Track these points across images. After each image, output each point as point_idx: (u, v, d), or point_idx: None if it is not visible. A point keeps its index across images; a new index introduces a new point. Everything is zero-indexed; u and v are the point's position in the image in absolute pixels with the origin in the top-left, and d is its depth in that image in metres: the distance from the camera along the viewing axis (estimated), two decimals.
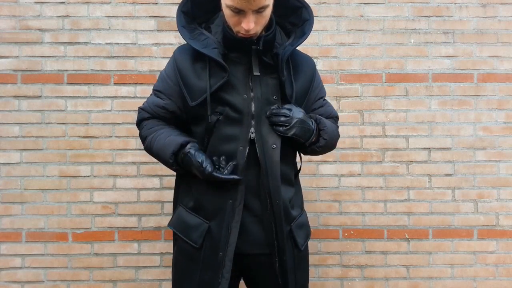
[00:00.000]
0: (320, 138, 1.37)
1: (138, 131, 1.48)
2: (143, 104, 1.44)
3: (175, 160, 1.32)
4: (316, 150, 1.39)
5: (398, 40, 2.26)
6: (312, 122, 1.34)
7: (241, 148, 1.28)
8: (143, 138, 1.44)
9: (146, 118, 1.43)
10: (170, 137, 1.35)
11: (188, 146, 1.31)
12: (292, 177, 1.40)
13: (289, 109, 1.28)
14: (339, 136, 1.52)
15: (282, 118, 1.27)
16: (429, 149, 2.25)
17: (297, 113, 1.29)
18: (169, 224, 1.42)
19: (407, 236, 2.24)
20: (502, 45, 2.26)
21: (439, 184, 2.25)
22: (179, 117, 1.39)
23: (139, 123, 1.46)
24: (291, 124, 1.27)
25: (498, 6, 2.26)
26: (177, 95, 1.34)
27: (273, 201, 1.28)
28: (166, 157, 1.32)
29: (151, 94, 1.44)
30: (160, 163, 1.40)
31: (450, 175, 2.25)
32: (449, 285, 2.23)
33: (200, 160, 1.26)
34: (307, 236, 1.43)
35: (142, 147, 1.46)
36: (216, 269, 1.28)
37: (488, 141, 2.25)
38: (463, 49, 2.26)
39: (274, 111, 1.29)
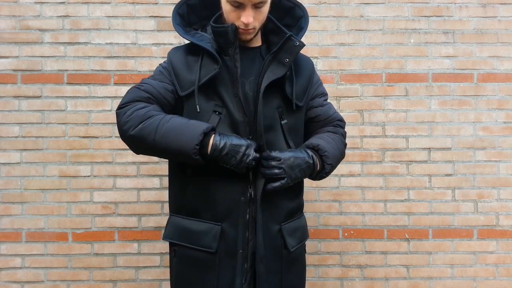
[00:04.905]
0: (324, 165, 1.32)
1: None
2: (140, 83, 1.32)
3: (201, 145, 1.19)
4: (324, 176, 1.35)
5: (398, 40, 2.26)
6: (309, 155, 1.28)
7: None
8: (139, 116, 1.25)
9: (145, 99, 1.29)
10: (190, 121, 1.24)
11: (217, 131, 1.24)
12: None
13: (278, 159, 1.23)
14: (345, 146, 1.46)
15: (276, 170, 1.22)
16: (429, 149, 2.25)
17: (287, 157, 1.24)
18: (165, 237, 1.37)
19: (407, 236, 2.24)
20: (502, 45, 2.26)
21: (439, 184, 2.24)
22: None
23: (131, 101, 1.29)
24: (287, 173, 1.23)
25: (498, 6, 2.26)
26: (171, 89, 1.32)
27: (260, 198, 1.26)
28: (190, 139, 1.19)
29: (144, 80, 1.34)
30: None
31: (450, 175, 2.25)
32: (449, 285, 2.23)
33: (246, 142, 1.21)
34: (303, 239, 1.40)
35: None
36: (235, 269, 1.26)
37: (488, 141, 2.25)
38: (463, 49, 2.26)
39: (264, 163, 1.23)
